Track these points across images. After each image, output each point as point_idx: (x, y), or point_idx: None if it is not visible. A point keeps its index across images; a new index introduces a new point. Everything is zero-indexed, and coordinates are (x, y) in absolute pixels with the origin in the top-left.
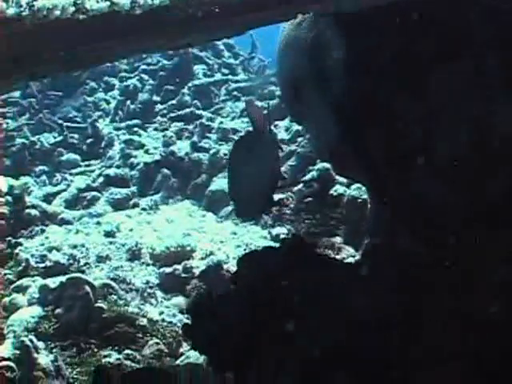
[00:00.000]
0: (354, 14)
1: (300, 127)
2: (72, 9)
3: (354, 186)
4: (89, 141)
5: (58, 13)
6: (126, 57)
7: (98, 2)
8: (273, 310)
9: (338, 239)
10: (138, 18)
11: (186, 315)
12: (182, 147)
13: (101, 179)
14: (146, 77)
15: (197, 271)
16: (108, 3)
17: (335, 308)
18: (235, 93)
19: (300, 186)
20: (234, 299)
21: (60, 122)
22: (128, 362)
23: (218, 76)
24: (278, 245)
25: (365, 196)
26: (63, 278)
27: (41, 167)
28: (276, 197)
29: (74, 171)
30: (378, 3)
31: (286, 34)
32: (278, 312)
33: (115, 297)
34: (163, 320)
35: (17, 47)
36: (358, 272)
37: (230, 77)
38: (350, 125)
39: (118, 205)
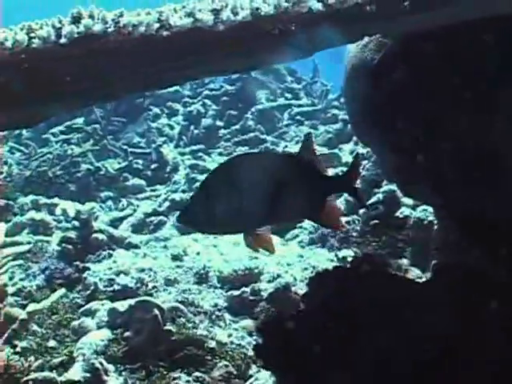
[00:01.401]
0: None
1: (365, 150)
2: (157, 25)
3: (419, 208)
4: (153, 166)
5: (142, 29)
6: (204, 77)
7: (181, 18)
8: (346, 330)
9: (404, 261)
10: (220, 34)
11: (254, 337)
12: None
13: (167, 204)
14: (208, 102)
15: (265, 294)
16: (191, 19)
17: (410, 329)
18: (298, 117)
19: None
20: (305, 319)
21: (124, 147)
22: None
23: (280, 100)
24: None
25: (431, 218)
26: (132, 302)
27: (106, 193)
28: (343, 219)
29: (139, 196)
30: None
31: (353, 56)
32: (351, 332)
33: (184, 320)
34: (232, 342)
35: (98, 65)
36: (431, 292)
37: (292, 101)
38: (419, 146)
39: (185, 229)
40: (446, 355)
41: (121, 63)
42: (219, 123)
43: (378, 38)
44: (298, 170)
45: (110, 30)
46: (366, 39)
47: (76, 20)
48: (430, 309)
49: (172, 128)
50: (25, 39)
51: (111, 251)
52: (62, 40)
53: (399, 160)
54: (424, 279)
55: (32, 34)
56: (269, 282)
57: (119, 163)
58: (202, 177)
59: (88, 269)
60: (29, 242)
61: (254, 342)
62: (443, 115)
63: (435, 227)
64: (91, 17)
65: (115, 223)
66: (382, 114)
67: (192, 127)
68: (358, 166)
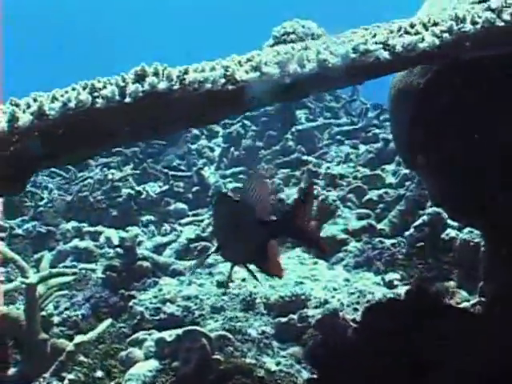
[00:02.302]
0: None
1: (407, 171)
2: (222, 81)
3: (465, 230)
4: (195, 189)
5: (209, 86)
6: None
7: (247, 72)
8: (402, 362)
9: (451, 283)
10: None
11: (303, 364)
12: (289, 194)
13: (210, 229)
14: (248, 123)
15: (312, 320)
16: (258, 73)
17: (467, 359)
18: (338, 137)
19: (411, 230)
20: (360, 350)
21: (165, 170)
22: None
23: (320, 120)
24: (397, 292)
25: (477, 239)
26: (179, 331)
27: (148, 217)
28: (388, 242)
29: (182, 221)
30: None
31: (398, 80)
32: (406, 364)
33: (231, 348)
34: (281, 370)
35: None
36: (486, 320)
37: (332, 120)
38: (465, 170)
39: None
40: None
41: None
42: (259, 144)
43: None
44: (242, 215)
45: (175, 87)
46: None
47: (140, 78)
48: (489, 342)
49: (212, 150)
50: (88, 99)
51: (156, 279)
52: (127, 99)
53: (444, 183)
54: (472, 302)
55: (95, 94)
56: (316, 307)
57: (160, 187)
58: None
59: (134, 297)
60: (74, 273)
61: (303, 370)
62: (489, 139)
63: (482, 248)
64: (156, 74)
65: (159, 249)
66: (428, 137)
67: (232, 149)
68: (301, 206)
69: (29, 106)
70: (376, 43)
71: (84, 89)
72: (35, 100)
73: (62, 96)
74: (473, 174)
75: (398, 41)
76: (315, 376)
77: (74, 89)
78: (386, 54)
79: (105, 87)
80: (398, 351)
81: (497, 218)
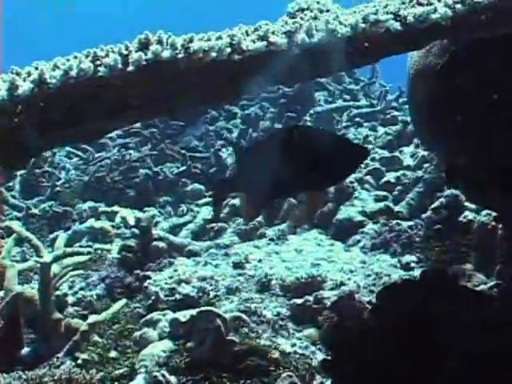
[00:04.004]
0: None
1: (426, 153)
2: (228, 50)
3: (483, 212)
4: (212, 170)
5: (214, 54)
6: None
7: (254, 42)
8: (418, 346)
9: (468, 266)
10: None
11: (318, 346)
12: None
13: (227, 209)
14: (267, 104)
15: (328, 302)
16: (265, 43)
17: (486, 347)
18: (357, 119)
19: (428, 212)
20: (372, 333)
21: (183, 151)
22: None
23: (339, 102)
24: (413, 275)
25: (495, 222)
26: (194, 312)
27: (165, 198)
28: (405, 224)
29: (199, 202)
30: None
31: (416, 61)
32: (424, 347)
33: (246, 329)
34: (295, 352)
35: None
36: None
37: (351, 103)
38: (484, 152)
39: (246, 235)
40: None
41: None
42: (277, 126)
43: (441, 43)
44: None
45: (179, 56)
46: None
47: (144, 46)
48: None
49: (230, 131)
50: (90, 68)
51: (172, 259)
52: (130, 68)
53: (463, 164)
54: (489, 285)
55: (98, 62)
56: (332, 289)
57: (177, 168)
58: None
59: (149, 277)
60: (89, 252)
61: (318, 352)
62: (508, 119)
63: (499, 231)
64: (160, 42)
65: (175, 230)
66: (446, 118)
67: (250, 130)
68: None
69: (29, 75)
70: (387, 13)
71: (86, 57)
72: (36, 68)
73: (63, 64)
74: (494, 157)
75: (409, 11)
76: (329, 358)
77: (75, 57)
78: (397, 25)
79: (107, 55)
80: (413, 333)
81: None
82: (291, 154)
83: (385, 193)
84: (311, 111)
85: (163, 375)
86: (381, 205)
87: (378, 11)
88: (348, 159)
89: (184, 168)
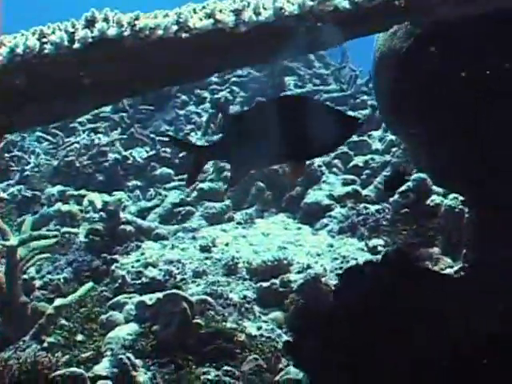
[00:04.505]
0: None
1: (394, 137)
2: (175, 27)
3: (450, 196)
4: (181, 155)
5: (160, 32)
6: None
7: (201, 19)
8: (377, 326)
9: (435, 250)
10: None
11: (284, 329)
12: None
13: (195, 193)
14: (236, 89)
15: (294, 285)
16: (212, 21)
17: (442, 324)
18: (327, 103)
19: (396, 196)
20: (336, 315)
21: (152, 136)
22: (227, 379)
23: (309, 87)
24: (377, 258)
25: (462, 206)
26: (160, 295)
27: (134, 182)
28: (373, 208)
29: (167, 186)
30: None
31: (381, 44)
32: (382, 327)
33: (212, 312)
34: (261, 335)
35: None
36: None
37: (321, 87)
38: (451, 136)
39: (213, 219)
40: (486, 353)
41: (138, 66)
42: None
43: (406, 26)
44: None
45: (126, 33)
46: (395, 27)
47: (90, 24)
48: (466, 305)
49: (200, 116)
50: (36, 45)
51: (139, 243)
52: (76, 45)
53: (429, 149)
54: (455, 269)
55: (44, 40)
56: (298, 272)
57: (147, 152)
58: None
59: (116, 261)
60: (55, 236)
61: (284, 335)
62: (474, 103)
63: (466, 215)
64: (106, 20)
65: (143, 214)
66: (411, 102)
67: (219, 115)
68: None
69: None
70: None
71: (33, 34)
72: None
73: (9, 42)
74: (460, 142)
75: None
76: (293, 340)
77: (22, 34)
78: (345, 4)
79: (53, 33)
80: (375, 315)
81: (482, 188)
82: (280, 123)
83: (353, 176)
84: (281, 95)
85: (129, 358)
86: (348, 188)
87: None
88: (339, 130)
89: (153, 152)
